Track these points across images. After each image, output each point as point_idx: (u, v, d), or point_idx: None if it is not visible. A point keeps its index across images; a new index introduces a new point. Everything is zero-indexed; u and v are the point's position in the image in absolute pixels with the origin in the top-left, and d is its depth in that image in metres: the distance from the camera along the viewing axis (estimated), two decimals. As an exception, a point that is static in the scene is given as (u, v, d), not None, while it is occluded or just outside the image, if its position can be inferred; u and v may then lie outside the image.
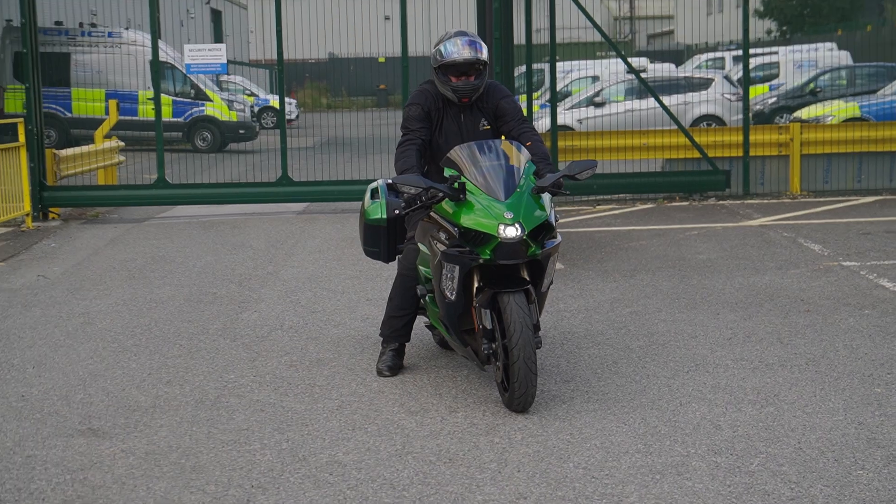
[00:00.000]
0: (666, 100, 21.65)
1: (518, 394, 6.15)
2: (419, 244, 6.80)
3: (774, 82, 30.68)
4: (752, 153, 15.07)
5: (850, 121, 20.75)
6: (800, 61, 30.86)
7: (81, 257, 11.95)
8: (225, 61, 15.16)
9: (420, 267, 6.85)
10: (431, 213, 6.54)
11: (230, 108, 28.41)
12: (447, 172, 6.50)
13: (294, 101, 39.62)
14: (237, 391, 6.85)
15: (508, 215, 6.12)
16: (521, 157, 6.49)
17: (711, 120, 25.31)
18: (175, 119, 26.35)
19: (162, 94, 26.31)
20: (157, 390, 6.89)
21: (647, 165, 16.11)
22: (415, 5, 14.58)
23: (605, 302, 9.07)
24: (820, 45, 34.09)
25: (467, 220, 6.21)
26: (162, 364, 7.50)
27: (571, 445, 5.73)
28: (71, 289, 10.17)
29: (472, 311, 6.43)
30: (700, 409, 6.30)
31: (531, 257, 6.23)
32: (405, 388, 6.85)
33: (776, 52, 33.56)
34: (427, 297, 6.89)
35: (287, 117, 39.16)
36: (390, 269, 10.27)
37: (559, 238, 6.46)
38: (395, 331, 7.15)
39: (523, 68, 15.57)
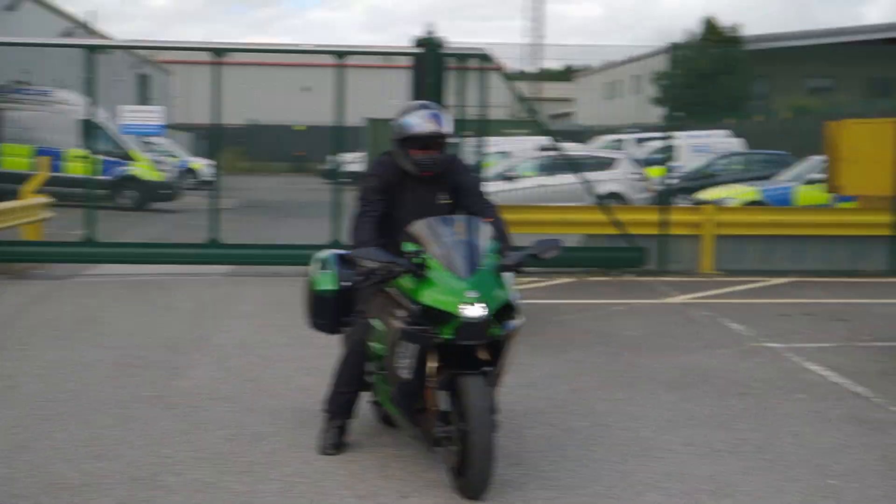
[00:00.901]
0: (574, 178, 21.45)
1: (475, 480, 5.56)
2: (371, 320, 6.19)
3: (673, 164, 30.72)
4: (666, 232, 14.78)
5: (750, 204, 20.71)
6: (696, 146, 31.06)
7: (6, 315, 11.07)
8: (162, 123, 14.47)
9: (372, 343, 6.23)
10: (388, 289, 5.96)
11: (155, 168, 27.55)
12: (407, 247, 5.93)
13: (215, 163, 38.82)
14: (174, 468, 6.13)
15: (471, 294, 5.57)
16: (484, 235, 5.95)
17: (615, 198, 25.10)
18: (101, 177, 25.37)
19: (95, 154, 25.59)
20: (87, 466, 6.13)
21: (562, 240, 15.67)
22: (379, 78, 14.01)
23: (542, 378, 8.51)
24: (715, 131, 34.44)
25: (427, 297, 5.64)
26: (93, 436, 6.74)
27: (531, 539, 5.15)
28: (-5, 348, 9.35)
29: (427, 392, 5.84)
30: (657, 498, 5.77)
31: (492, 338, 5.68)
32: (350, 468, 6.20)
33: (674, 137, 33.68)
34: (377, 375, 6.28)
35: (207, 179, 38.46)
36: (324, 338, 9.56)
37: (521, 319, 5.90)
38: (341, 407, 6.52)
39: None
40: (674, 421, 7.35)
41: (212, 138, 14.48)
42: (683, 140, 32.66)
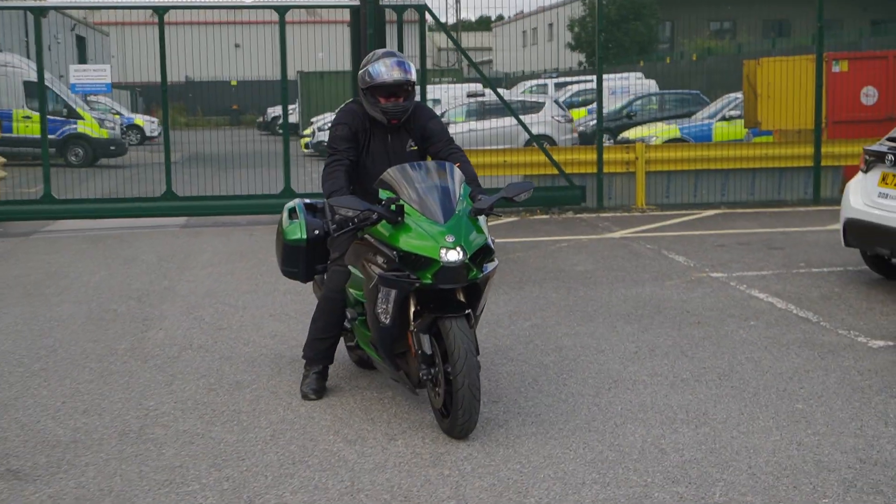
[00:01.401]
0: (503, 122, 21.14)
1: (461, 420, 5.30)
2: (350, 267, 5.86)
3: (592, 107, 30.60)
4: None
5: (671, 141, 20.56)
6: (613, 88, 30.81)
7: (-30, 273, 10.54)
8: (109, 81, 13.84)
9: (350, 290, 5.91)
10: (365, 236, 5.63)
11: (101, 125, 26.72)
12: (382, 194, 5.60)
13: (156, 120, 37.88)
14: (160, 420, 5.79)
15: (450, 239, 5.27)
16: (455, 179, 5.63)
17: (543, 139, 24.85)
18: (49, 136, 24.53)
19: (36, 113, 24.72)
20: (74, 421, 5.77)
21: (504, 181, 15.38)
22: (309, 33, 13.50)
23: (504, 315, 8.25)
24: (629, 73, 34.23)
25: (406, 244, 5.33)
26: (74, 390, 6.36)
27: (524, 476, 4.90)
28: (-36, 307, 8.85)
29: (408, 335, 5.55)
30: (637, 430, 5.54)
31: (471, 281, 5.39)
32: (334, 412, 5.90)
33: (591, 80, 33.55)
34: (357, 320, 5.97)
35: (150, 135, 37.43)
36: (287, 284, 9.28)
37: (496, 261, 5.62)
38: (319, 353, 6.21)
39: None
40: (637, 352, 7.14)
41: (162, 96, 13.71)
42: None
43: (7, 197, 15.67)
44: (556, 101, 26.45)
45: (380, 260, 5.45)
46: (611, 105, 28.74)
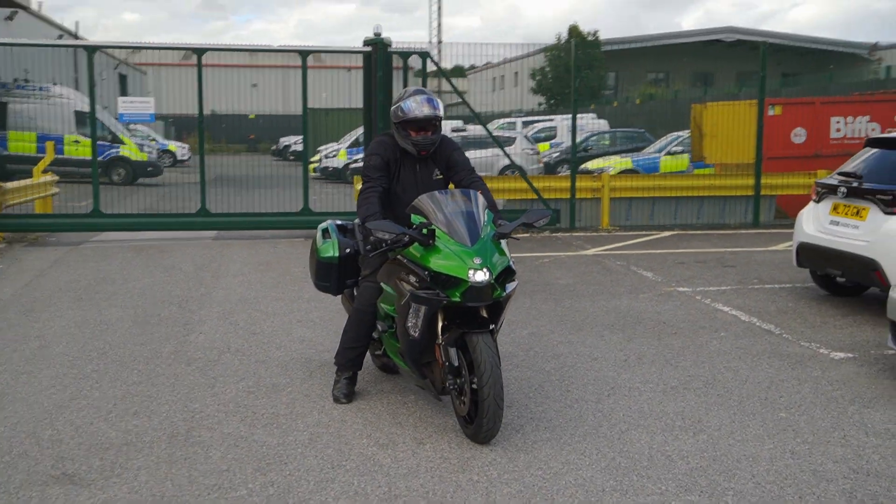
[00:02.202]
0: (482, 153, 20.69)
1: (486, 427, 4.78)
2: (382, 284, 5.32)
3: (554, 141, 30.34)
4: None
5: (625, 171, 20.15)
6: (571, 126, 30.44)
7: (29, 278, 9.85)
8: (153, 111, 13.19)
9: (382, 305, 5.37)
10: (398, 257, 5.10)
11: (141, 150, 26.05)
12: (414, 219, 5.08)
13: (187, 146, 37.18)
14: (205, 422, 5.21)
15: (477, 261, 4.76)
16: (479, 206, 5.12)
17: (514, 169, 24.39)
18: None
19: (86, 138, 24.01)
20: (126, 423, 5.18)
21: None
22: (315, 76, 12.94)
23: (504, 324, 7.69)
24: (584, 114, 33.86)
25: (437, 265, 4.81)
26: (125, 392, 5.77)
27: (548, 483, 4.37)
28: (23, 310, 8.17)
29: (436, 348, 5.02)
30: (642, 437, 5.03)
31: (496, 299, 4.87)
32: (364, 416, 5.35)
33: (553, 119, 33.33)
34: (387, 332, 5.43)
35: (181, 158, 36.69)
36: (311, 292, 8.72)
37: (517, 282, 5.10)
38: (350, 360, 5.67)
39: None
40: (627, 360, 6.63)
41: (199, 126, 13.12)
42: (560, 121, 32.24)
43: (60, 211, 15.02)
44: (526, 136, 26.00)
45: (412, 279, 4.93)
46: (569, 141, 28.45)
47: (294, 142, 41.67)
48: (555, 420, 5.30)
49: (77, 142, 23.72)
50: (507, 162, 24.81)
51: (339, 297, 6.42)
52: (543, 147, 27.92)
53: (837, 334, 7.39)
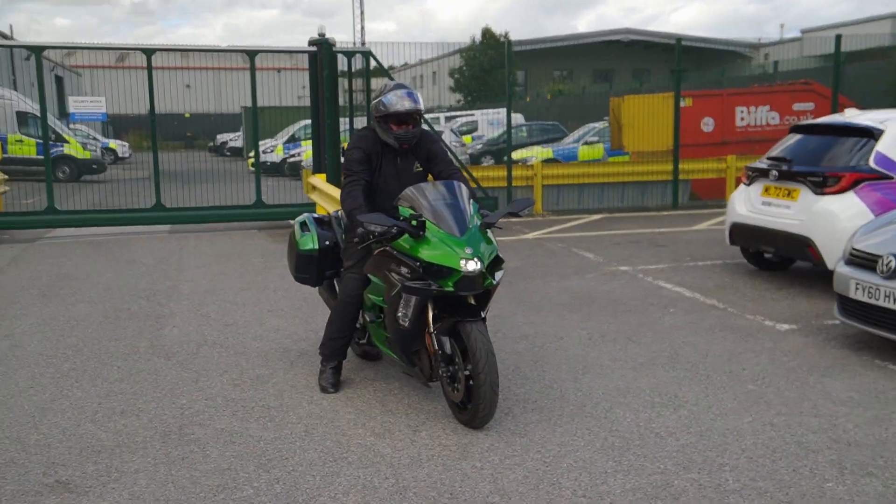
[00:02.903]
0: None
1: (482, 414, 4.44)
2: (370, 275, 4.92)
3: (475, 134, 30.14)
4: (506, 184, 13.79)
5: (547, 160, 19.95)
6: (491, 120, 30.29)
7: (-10, 276, 9.13)
8: (105, 111, 12.42)
9: (370, 296, 4.97)
10: (387, 248, 4.70)
11: (84, 148, 24.87)
12: (403, 211, 4.69)
13: (127, 144, 35.73)
14: (197, 419, 4.74)
15: (468, 250, 4.40)
16: (465, 197, 4.76)
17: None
18: (39, 156, 22.64)
19: (29, 137, 22.75)
20: (114, 424, 4.67)
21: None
22: (247, 77, 12.32)
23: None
24: (501, 109, 33.70)
25: (429, 255, 4.44)
26: (108, 391, 5.24)
27: (550, 467, 4.05)
28: (-10, 309, 7.52)
29: (427, 336, 4.65)
30: (625, 414, 4.75)
31: (486, 288, 4.52)
32: (354, 405, 4.95)
33: (473, 114, 33.14)
34: (375, 322, 5.03)
35: (122, 156, 35.26)
36: (276, 281, 8.25)
37: (503, 270, 4.76)
38: (335, 350, 5.25)
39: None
40: (591, 338, 6.36)
41: (151, 124, 12.39)
42: (480, 116, 32.03)
43: (10, 209, 14.07)
44: (452, 130, 25.67)
45: (403, 270, 4.54)
46: (490, 133, 28.23)
47: (231, 138, 40.58)
48: (539, 401, 4.98)
49: (20, 141, 22.54)
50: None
51: (316, 287, 6.00)
52: (467, 139, 27.67)
53: (776, 306, 7.25)
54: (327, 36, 12.40)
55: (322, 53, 12.23)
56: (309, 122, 34.09)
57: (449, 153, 5.29)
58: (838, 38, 14.44)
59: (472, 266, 4.37)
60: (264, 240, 11.57)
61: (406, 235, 4.55)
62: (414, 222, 4.51)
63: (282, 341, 6.35)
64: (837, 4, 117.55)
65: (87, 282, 8.71)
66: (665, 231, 11.71)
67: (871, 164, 7.28)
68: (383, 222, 4.48)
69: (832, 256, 7.22)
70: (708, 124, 15.19)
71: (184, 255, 10.30)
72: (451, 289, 4.40)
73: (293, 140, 31.26)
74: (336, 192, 10.77)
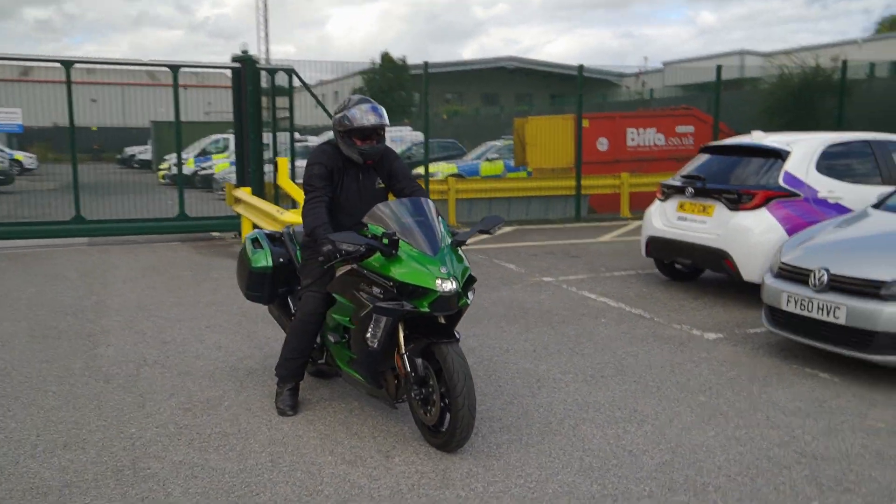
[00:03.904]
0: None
1: (458, 438, 3.95)
2: (335, 294, 4.35)
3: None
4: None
5: (452, 175, 19.58)
6: (393, 137, 29.79)
7: None
8: (21, 122, 11.24)
9: (334, 316, 4.39)
10: (355, 267, 4.15)
11: (-10, 159, 23.01)
12: (373, 229, 4.15)
13: (34, 156, 33.40)
14: (150, 450, 4.06)
15: (443, 270, 3.91)
16: (434, 214, 4.27)
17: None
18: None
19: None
20: (58, 459, 3.94)
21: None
22: (152, 93, 11.45)
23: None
24: (403, 127, 33.28)
25: (403, 275, 3.93)
26: (45, 420, 4.48)
27: (537, 493, 3.61)
28: None
29: (396, 358, 4.12)
30: (593, 432, 4.36)
31: (461, 307, 4.04)
32: (317, 428, 4.38)
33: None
34: (339, 343, 4.46)
35: (28, 167, 32.97)
36: (208, 296, 7.54)
37: (475, 289, 4.29)
38: (292, 371, 4.66)
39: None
40: (536, 351, 5.97)
41: (70, 137, 11.31)
42: (384, 133, 31.44)
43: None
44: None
45: (375, 290, 4.01)
46: (395, 149, 27.71)
47: (139, 151, 38.58)
48: (504, 419, 4.53)
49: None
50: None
51: (257, 303, 5.36)
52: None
53: (697, 316, 7.05)
54: (214, 59, 11.66)
55: (246, 70, 11.47)
56: (220, 136, 32.63)
57: (409, 171, 4.78)
58: (719, 68, 14.66)
59: (449, 286, 3.89)
60: (189, 252, 10.71)
61: (377, 254, 4.02)
62: (386, 241, 3.99)
63: (226, 359, 5.68)
64: (688, 42, 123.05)
65: (7, 298, 7.73)
66: (575, 242, 11.48)
67: (781, 182, 7.19)
68: (355, 241, 3.94)
69: (747, 268, 7.09)
70: (603, 144, 15.16)
71: (108, 269, 9.36)
72: (426, 309, 3.91)
73: (204, 154, 29.95)
74: (263, 205, 10.05)
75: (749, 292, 7.77)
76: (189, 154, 30.19)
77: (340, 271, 4.30)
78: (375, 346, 4.05)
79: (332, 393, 4.96)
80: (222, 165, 26.13)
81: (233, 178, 21.77)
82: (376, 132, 4.45)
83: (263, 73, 11.78)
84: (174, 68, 11.40)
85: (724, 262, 7.27)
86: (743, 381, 5.25)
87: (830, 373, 5.38)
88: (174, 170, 28.07)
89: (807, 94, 15.72)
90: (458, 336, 4.04)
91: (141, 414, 4.57)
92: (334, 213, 4.52)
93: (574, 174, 14.16)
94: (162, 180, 28.38)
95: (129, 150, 38.61)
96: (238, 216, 11.45)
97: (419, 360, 4.03)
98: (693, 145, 15.56)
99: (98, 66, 13.15)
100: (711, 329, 6.58)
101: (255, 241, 5.05)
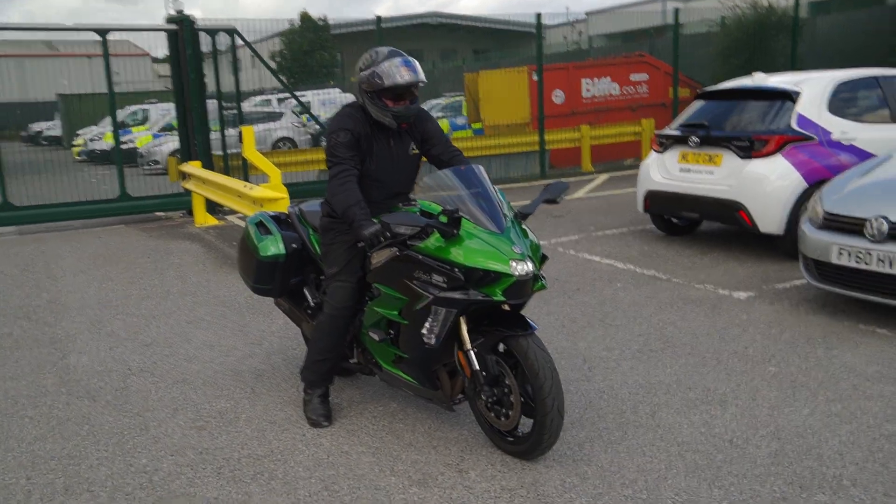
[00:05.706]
0: (257, 127, 18.49)
1: (546, 444, 3.38)
2: (379, 286, 3.67)
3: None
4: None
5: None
6: (323, 100, 28.69)
7: None
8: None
9: (378, 309, 3.71)
10: (408, 252, 3.48)
11: None
12: (424, 205, 3.50)
13: (-45, 137, 31.03)
14: (174, 485, 3.36)
15: (517, 250, 3.28)
16: (489, 183, 3.63)
17: (287, 142, 22.31)
18: None
19: None
20: (61, 508, 3.21)
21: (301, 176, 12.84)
22: (52, 64, 10.32)
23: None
24: (331, 89, 32.09)
25: (470, 259, 3.28)
26: (32, 458, 3.70)
27: (651, 496, 3.08)
28: None
29: (459, 355, 3.51)
30: (676, 419, 3.85)
31: (537, 291, 3.43)
32: (363, 440, 3.74)
33: (305, 94, 31.33)
34: (385, 341, 3.79)
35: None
36: (180, 286, 6.74)
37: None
38: (322, 375, 4.00)
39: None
40: (565, 326, 5.42)
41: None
42: (312, 96, 30.21)
43: None
44: (292, 110, 23.93)
45: (436, 278, 3.36)
46: (324, 114, 26.66)
47: (46, 127, 36.26)
48: (570, 412, 3.97)
49: None
50: (280, 135, 22.82)
51: (276, 302, 4.65)
52: (304, 119, 26.01)
53: (715, 273, 6.63)
54: (185, 13, 10.61)
55: (184, 32, 10.42)
56: (136, 107, 30.73)
57: (444, 133, 4.12)
58: (676, 10, 14.24)
59: (524, 268, 3.27)
60: (138, 236, 9.74)
61: (435, 235, 3.37)
62: (444, 218, 3.34)
63: (224, 361, 4.94)
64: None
65: (-58, 302, 6.75)
66: (550, 201, 10.93)
67: (794, 125, 6.78)
68: (415, 222, 3.27)
69: (764, 219, 6.69)
70: (559, 96, 14.61)
71: (51, 261, 8.36)
72: (500, 297, 3.29)
73: (123, 126, 28.22)
74: (219, 179, 9.17)
75: (754, 244, 7.41)
76: (105, 128, 28.43)
77: (378, 257, 3.63)
78: (433, 342, 3.43)
79: (362, 394, 4.31)
80: (145, 138, 24.64)
81: (162, 150, 20.56)
82: (410, 91, 3.75)
83: (202, 34, 10.73)
84: (102, 33, 10.25)
85: (737, 213, 6.85)
86: (802, 344, 4.83)
87: (888, 328, 5.02)
88: (90, 145, 26.59)
89: (761, 34, 15.48)
90: (533, 326, 3.44)
91: (147, 438, 3.84)
92: (363, 186, 3.82)
93: (533, 129, 13.61)
94: (77, 157, 26.70)
95: (36, 127, 36.32)
96: (188, 193, 10.49)
97: (491, 357, 3.43)
98: (647, 93, 15.19)
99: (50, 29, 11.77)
100: (737, 287, 6.16)
101: (260, 224, 4.32)
